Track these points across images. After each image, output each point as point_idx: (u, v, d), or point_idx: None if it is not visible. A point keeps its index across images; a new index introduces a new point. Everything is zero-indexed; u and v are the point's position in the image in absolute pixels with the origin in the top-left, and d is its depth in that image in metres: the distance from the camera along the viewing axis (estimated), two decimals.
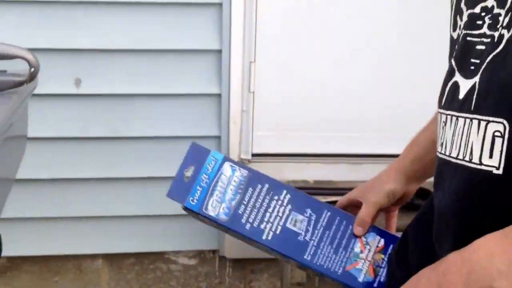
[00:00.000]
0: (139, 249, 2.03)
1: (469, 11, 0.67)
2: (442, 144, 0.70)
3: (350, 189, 0.93)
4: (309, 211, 0.82)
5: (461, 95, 0.67)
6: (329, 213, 0.83)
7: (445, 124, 0.70)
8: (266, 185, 0.81)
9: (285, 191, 0.82)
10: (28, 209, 1.87)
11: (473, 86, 0.65)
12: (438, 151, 0.72)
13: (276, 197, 0.81)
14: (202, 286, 2.09)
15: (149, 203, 1.95)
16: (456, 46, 0.70)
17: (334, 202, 0.92)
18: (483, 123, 0.62)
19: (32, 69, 0.85)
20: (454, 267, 0.57)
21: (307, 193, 0.85)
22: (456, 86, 0.69)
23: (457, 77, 0.69)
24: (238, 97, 1.87)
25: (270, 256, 0.94)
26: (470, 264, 0.55)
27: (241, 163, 0.85)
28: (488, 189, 0.61)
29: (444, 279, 0.56)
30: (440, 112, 0.72)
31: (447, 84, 0.71)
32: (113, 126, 1.84)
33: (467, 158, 0.64)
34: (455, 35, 0.71)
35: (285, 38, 1.91)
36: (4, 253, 0.91)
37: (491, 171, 0.60)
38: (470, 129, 0.64)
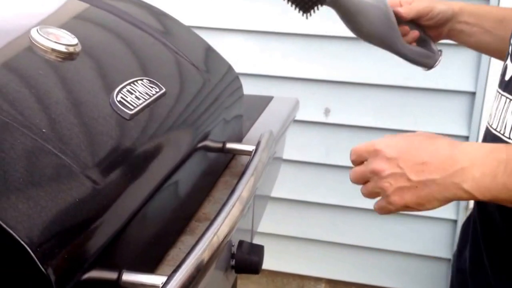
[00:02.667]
0: (361, 279, 2.05)
1: None
2: (490, 114, 0.81)
3: None
4: None
5: (507, 77, 0.78)
6: None
7: (495, 99, 0.81)
8: None
9: None
10: (270, 225, 2.01)
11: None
12: (487, 121, 0.82)
13: None
14: None
15: (383, 237, 1.97)
16: None
17: None
18: None
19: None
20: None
21: None
22: (506, 68, 0.80)
23: (508, 61, 0.80)
24: None
25: None
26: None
27: None
28: None
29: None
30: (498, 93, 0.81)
31: (503, 65, 0.81)
32: None
33: (502, 131, 0.76)
34: None
35: None
36: None
37: None
38: (509, 108, 0.75)
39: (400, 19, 0.97)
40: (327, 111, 1.89)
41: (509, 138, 0.74)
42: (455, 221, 1.92)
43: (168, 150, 0.72)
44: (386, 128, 1.87)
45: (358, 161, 0.76)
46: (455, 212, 1.90)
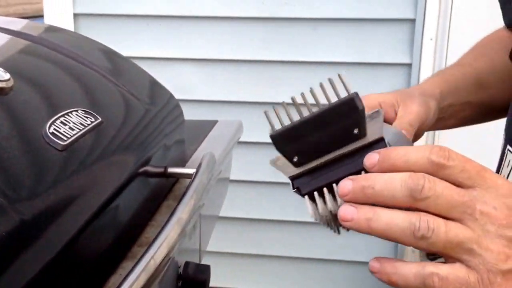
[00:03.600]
0: None
1: None
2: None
3: None
4: None
5: None
6: None
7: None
8: None
9: None
10: (226, 244, 2.03)
11: None
12: None
13: None
14: None
15: (337, 249, 2.01)
16: None
17: None
18: None
19: None
20: None
21: None
22: None
23: None
24: None
25: None
26: None
27: None
28: None
29: None
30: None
31: None
32: None
33: None
34: None
35: None
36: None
37: None
38: None
39: None
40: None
41: None
42: None
43: (105, 178, 0.74)
44: None
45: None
46: None
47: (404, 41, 1.83)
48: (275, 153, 2.10)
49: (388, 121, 0.65)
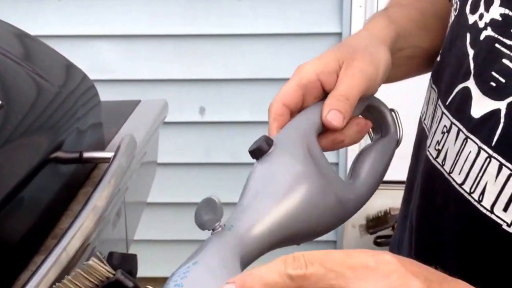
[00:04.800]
0: None
1: (505, 10, 0.52)
2: (439, 151, 0.57)
3: None
4: None
5: (474, 113, 0.53)
6: None
7: (448, 133, 0.57)
8: None
9: None
10: (156, 231, 1.97)
11: (495, 115, 0.51)
12: (431, 155, 0.58)
13: None
14: None
15: None
16: (474, 40, 0.55)
17: None
18: (506, 171, 0.49)
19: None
20: None
21: None
22: (467, 95, 0.55)
23: (471, 84, 0.54)
24: None
25: None
26: None
27: None
28: (492, 241, 0.51)
29: None
30: (439, 106, 0.58)
31: (455, 81, 0.56)
32: (235, 152, 1.91)
33: (475, 196, 0.52)
34: (471, 19, 0.56)
35: None
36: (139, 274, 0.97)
37: (500, 225, 0.50)
38: (487, 167, 0.51)
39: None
40: (202, 110, 1.89)
41: (491, 212, 0.51)
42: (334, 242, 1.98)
43: (12, 165, 0.68)
44: (263, 121, 1.89)
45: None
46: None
47: (333, 10, 1.81)
48: (206, 134, 2.07)
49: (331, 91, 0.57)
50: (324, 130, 0.56)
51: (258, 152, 0.51)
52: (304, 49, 1.84)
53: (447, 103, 0.58)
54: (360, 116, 0.60)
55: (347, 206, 0.54)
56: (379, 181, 0.60)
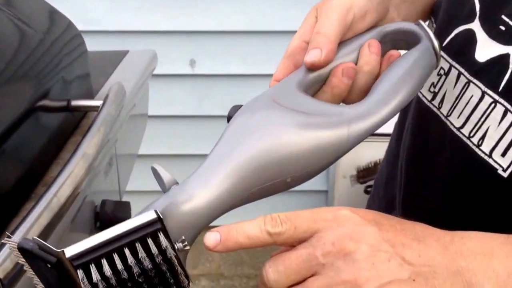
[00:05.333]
0: None
1: None
2: (435, 94, 0.56)
3: None
4: None
5: (478, 57, 0.51)
6: None
7: (446, 75, 0.54)
8: None
9: None
10: (148, 182, 1.97)
11: (503, 60, 0.49)
12: (424, 97, 0.56)
13: None
14: None
15: None
16: None
17: None
18: (511, 116, 0.49)
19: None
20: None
21: None
22: (470, 38, 0.52)
23: (476, 27, 0.52)
24: None
25: None
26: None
27: None
28: (486, 185, 0.51)
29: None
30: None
31: (455, 22, 0.53)
32: (226, 104, 1.90)
33: (474, 140, 0.51)
34: None
35: None
36: None
37: (496, 170, 0.50)
38: (490, 112, 0.50)
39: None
40: (192, 63, 1.86)
41: (490, 156, 0.51)
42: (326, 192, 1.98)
43: None
44: (254, 74, 1.87)
45: (291, 241, 0.44)
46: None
47: None
48: (195, 85, 2.04)
49: None
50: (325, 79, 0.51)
51: (228, 119, 0.51)
52: (297, 1, 1.81)
53: (444, 44, 0.56)
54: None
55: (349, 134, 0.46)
56: (404, 95, 0.48)
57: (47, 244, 0.42)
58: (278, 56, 2.07)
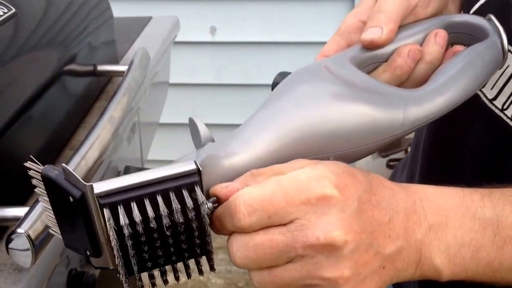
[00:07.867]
0: None
1: None
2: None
3: None
4: None
5: None
6: None
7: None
8: None
9: None
10: (169, 150, 1.98)
11: None
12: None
13: None
14: None
15: None
16: None
17: None
18: None
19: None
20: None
21: None
22: (507, 4, 0.49)
23: None
24: None
25: None
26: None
27: None
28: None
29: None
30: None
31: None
32: (246, 73, 1.89)
33: (508, 113, 0.49)
34: None
35: None
36: None
37: None
38: None
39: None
40: (213, 30, 1.85)
41: None
42: None
43: (26, 76, 0.67)
44: (275, 42, 1.86)
45: (264, 224, 0.40)
46: None
47: None
48: (217, 54, 2.02)
49: None
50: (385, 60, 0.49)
51: (273, 86, 0.48)
52: None
53: (473, 10, 0.54)
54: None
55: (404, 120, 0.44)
56: (463, 87, 0.46)
57: (76, 175, 0.38)
58: (299, 23, 2.06)
